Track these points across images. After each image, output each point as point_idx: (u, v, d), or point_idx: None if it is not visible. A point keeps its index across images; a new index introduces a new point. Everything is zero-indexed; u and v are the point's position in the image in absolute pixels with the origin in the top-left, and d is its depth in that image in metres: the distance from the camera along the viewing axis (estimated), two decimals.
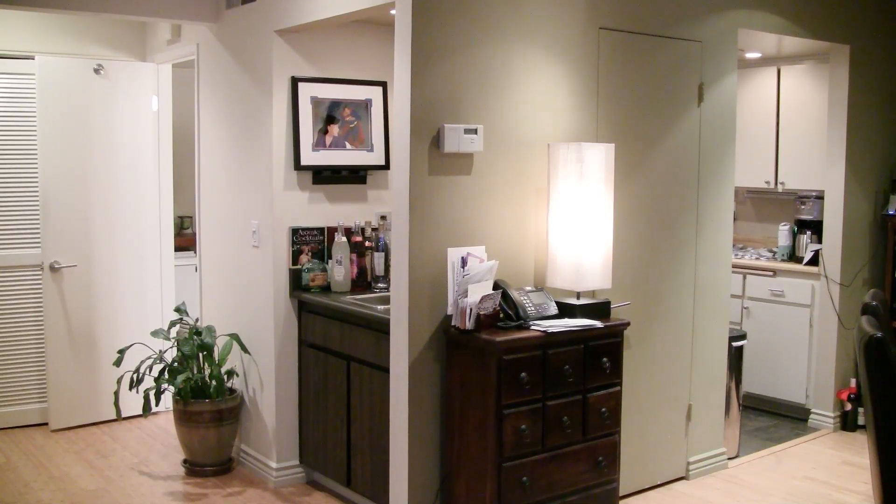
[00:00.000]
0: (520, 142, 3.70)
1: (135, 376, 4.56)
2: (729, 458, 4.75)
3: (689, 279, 4.44)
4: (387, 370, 3.62)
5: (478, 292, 3.35)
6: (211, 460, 4.59)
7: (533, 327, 3.39)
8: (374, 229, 4.47)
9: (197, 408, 4.49)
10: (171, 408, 4.70)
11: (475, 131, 3.51)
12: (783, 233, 5.86)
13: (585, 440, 3.51)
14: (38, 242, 5.27)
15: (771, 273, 5.68)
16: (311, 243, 4.42)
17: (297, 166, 4.34)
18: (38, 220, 5.25)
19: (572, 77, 3.86)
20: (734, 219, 4.77)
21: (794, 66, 5.83)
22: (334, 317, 4.15)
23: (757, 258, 5.91)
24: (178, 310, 4.89)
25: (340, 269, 4.31)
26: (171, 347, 4.69)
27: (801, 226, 5.83)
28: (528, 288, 3.62)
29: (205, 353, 4.60)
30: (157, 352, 4.68)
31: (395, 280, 3.48)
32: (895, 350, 2.51)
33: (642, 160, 4.19)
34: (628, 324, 3.66)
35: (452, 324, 3.44)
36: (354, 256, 4.37)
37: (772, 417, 5.67)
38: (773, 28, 4.75)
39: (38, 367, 5.38)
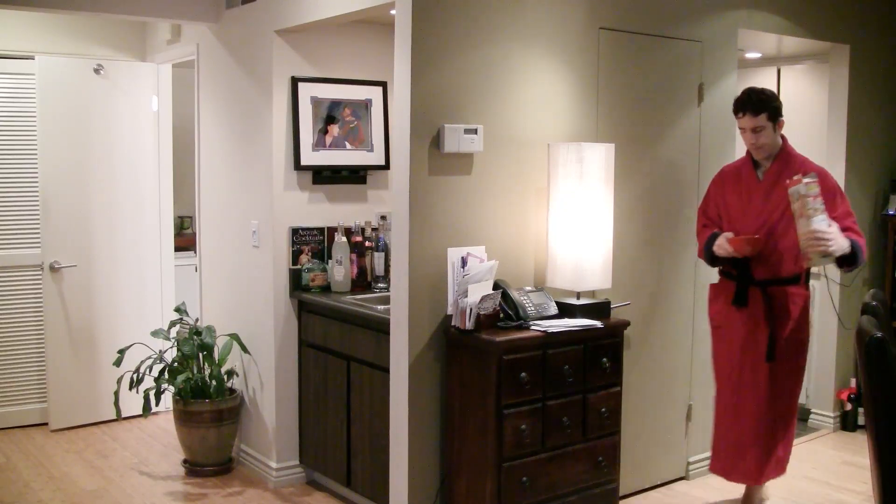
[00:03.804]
0: (520, 142, 3.70)
1: (135, 376, 4.56)
2: None
3: (689, 279, 4.44)
4: (387, 370, 3.62)
5: (478, 292, 3.35)
6: (211, 460, 4.59)
7: (533, 327, 3.39)
8: (374, 229, 4.47)
9: (197, 408, 4.49)
10: (171, 408, 4.70)
11: (475, 131, 3.51)
12: None
13: (585, 440, 3.51)
14: (38, 242, 5.27)
15: None
16: (311, 243, 4.42)
17: (297, 166, 4.34)
18: (38, 220, 5.25)
19: (572, 77, 3.86)
20: None
21: (794, 66, 5.83)
22: (334, 317, 4.15)
23: None
24: (178, 310, 4.89)
25: (340, 269, 4.31)
26: (171, 347, 4.69)
27: None
28: (528, 288, 3.62)
29: (205, 353, 4.60)
30: (157, 352, 4.68)
31: (395, 280, 3.48)
32: (895, 350, 2.51)
33: (642, 160, 4.19)
34: (628, 324, 3.66)
35: (452, 324, 3.44)
36: (354, 256, 4.37)
37: None
38: (773, 28, 4.75)
39: (38, 367, 5.39)
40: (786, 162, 3.72)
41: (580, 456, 3.49)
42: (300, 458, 4.50)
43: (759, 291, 3.71)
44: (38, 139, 5.19)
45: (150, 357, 4.66)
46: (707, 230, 3.86)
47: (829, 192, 3.56)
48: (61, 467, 4.70)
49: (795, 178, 3.44)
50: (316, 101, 4.39)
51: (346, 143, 4.49)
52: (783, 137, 3.76)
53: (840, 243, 3.40)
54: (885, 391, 2.49)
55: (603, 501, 3.60)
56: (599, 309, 3.63)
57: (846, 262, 3.51)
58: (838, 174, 5.31)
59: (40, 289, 5.30)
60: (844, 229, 3.51)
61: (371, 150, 4.55)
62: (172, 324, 4.84)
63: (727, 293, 3.80)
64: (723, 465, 3.88)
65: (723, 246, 3.67)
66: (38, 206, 5.24)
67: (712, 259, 3.80)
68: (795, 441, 5.16)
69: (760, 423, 3.76)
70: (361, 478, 4.02)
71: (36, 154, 5.21)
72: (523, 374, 3.28)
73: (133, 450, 5.00)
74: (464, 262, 3.51)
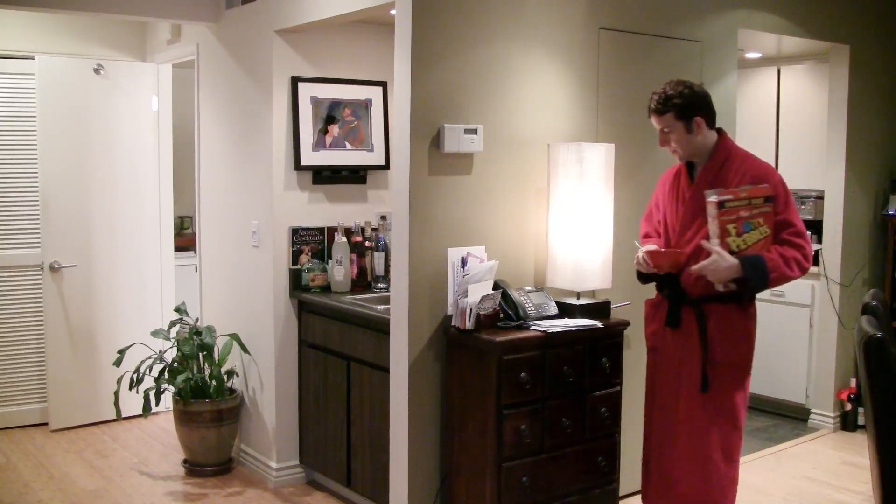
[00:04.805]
0: (520, 142, 3.70)
1: (135, 376, 4.56)
2: None
3: None
4: (387, 370, 3.62)
5: (478, 292, 3.35)
6: (211, 460, 4.59)
7: (533, 327, 3.39)
8: (374, 229, 4.47)
9: (197, 408, 4.49)
10: (171, 408, 4.70)
11: (475, 131, 3.51)
12: None
13: (585, 440, 3.50)
14: (38, 242, 5.26)
15: None
16: (311, 243, 4.42)
17: (297, 166, 4.34)
18: (38, 220, 5.25)
19: (572, 77, 3.86)
20: None
21: (794, 66, 5.83)
22: (334, 317, 4.15)
23: None
24: (178, 310, 4.89)
25: (340, 269, 4.31)
26: (171, 347, 4.69)
27: None
28: (528, 288, 3.62)
29: (205, 353, 4.60)
30: (157, 352, 4.68)
31: (395, 280, 3.48)
32: (895, 350, 2.51)
33: (642, 160, 4.19)
34: (628, 324, 3.65)
35: (452, 324, 3.44)
36: (354, 256, 4.37)
37: (772, 417, 5.67)
38: (773, 28, 4.75)
39: (38, 367, 5.38)
40: (723, 161, 3.17)
41: (580, 456, 3.49)
42: (300, 458, 4.50)
43: (692, 311, 3.18)
44: (38, 139, 5.19)
45: (150, 357, 4.66)
46: (648, 241, 3.37)
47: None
48: (61, 467, 4.70)
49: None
50: (316, 101, 4.39)
51: (346, 143, 4.49)
52: (720, 133, 3.22)
53: (717, 275, 3.02)
54: (885, 391, 2.49)
55: (603, 501, 3.60)
56: (599, 309, 3.62)
57: (743, 288, 3.09)
58: (838, 174, 5.32)
59: (40, 289, 5.30)
60: (780, 242, 3.07)
61: (371, 150, 4.55)
62: (172, 324, 4.84)
63: (662, 312, 3.29)
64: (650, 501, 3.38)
65: (640, 260, 3.20)
66: (38, 206, 5.24)
67: (638, 274, 3.32)
68: (795, 441, 5.19)
69: (694, 459, 3.22)
70: (361, 478, 4.02)
71: (36, 154, 5.21)
72: (523, 374, 3.28)
73: (133, 450, 5.00)
74: (464, 262, 3.51)
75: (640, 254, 3.19)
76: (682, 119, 3.13)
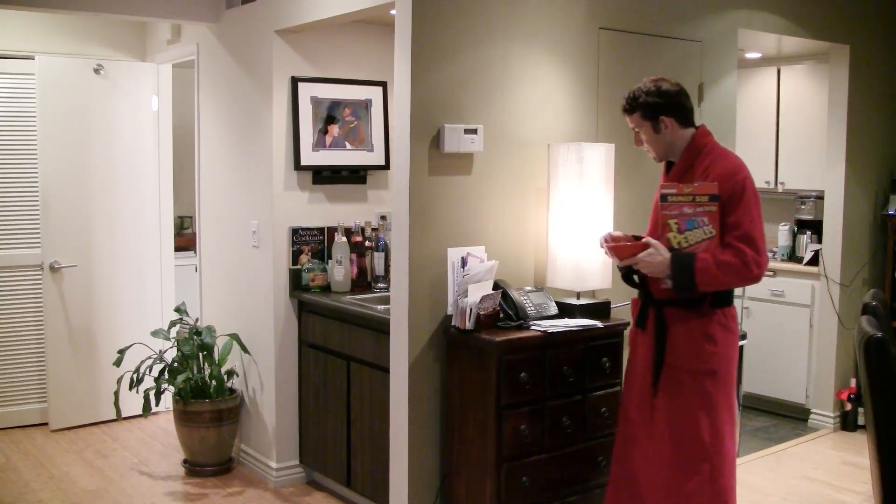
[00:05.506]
0: (520, 142, 3.70)
1: (135, 376, 4.56)
2: None
3: None
4: (387, 370, 3.62)
5: (478, 292, 3.35)
6: (211, 460, 4.59)
7: (533, 327, 3.39)
8: (374, 229, 4.47)
9: (197, 408, 4.49)
10: (171, 408, 4.70)
11: (475, 131, 3.51)
12: (783, 233, 5.86)
13: (585, 440, 3.50)
14: (38, 242, 5.27)
15: (771, 273, 5.68)
16: (311, 243, 4.42)
17: (297, 166, 4.34)
18: (38, 220, 5.25)
19: (572, 77, 3.86)
20: None
21: (794, 66, 5.83)
22: (334, 317, 4.15)
23: None
24: (178, 310, 4.90)
25: (340, 269, 4.31)
26: (171, 347, 4.69)
27: (801, 226, 5.83)
28: (528, 288, 3.62)
29: (205, 353, 4.60)
30: (157, 352, 4.68)
31: (395, 280, 3.48)
32: (895, 350, 2.52)
33: (642, 160, 4.18)
34: (628, 324, 3.64)
35: (452, 324, 3.44)
36: (354, 256, 4.37)
37: (772, 417, 5.67)
38: (773, 28, 4.75)
39: (38, 367, 5.38)
40: (693, 159, 3.05)
41: (580, 456, 3.49)
42: (300, 458, 4.50)
43: (654, 312, 3.07)
44: (38, 139, 5.19)
45: (150, 357, 4.66)
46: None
47: (727, 195, 2.90)
48: (61, 467, 4.70)
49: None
50: (316, 101, 4.39)
51: (346, 143, 4.49)
52: (700, 129, 3.09)
53: (650, 268, 2.96)
54: (885, 391, 2.49)
55: (603, 501, 3.60)
56: (599, 309, 3.62)
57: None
58: (838, 174, 5.32)
59: (40, 289, 5.30)
60: (724, 245, 2.90)
61: (371, 150, 4.55)
62: (172, 324, 4.84)
63: (637, 311, 3.20)
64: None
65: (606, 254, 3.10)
66: (38, 206, 5.24)
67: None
68: (795, 441, 5.18)
69: (657, 472, 3.06)
70: (361, 478, 4.02)
71: (36, 154, 5.21)
72: (523, 374, 3.28)
73: (133, 450, 5.00)
74: (464, 262, 3.51)
75: (603, 248, 3.10)
76: (649, 119, 3.05)
